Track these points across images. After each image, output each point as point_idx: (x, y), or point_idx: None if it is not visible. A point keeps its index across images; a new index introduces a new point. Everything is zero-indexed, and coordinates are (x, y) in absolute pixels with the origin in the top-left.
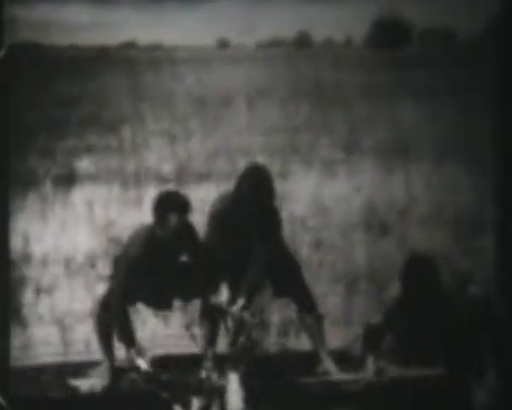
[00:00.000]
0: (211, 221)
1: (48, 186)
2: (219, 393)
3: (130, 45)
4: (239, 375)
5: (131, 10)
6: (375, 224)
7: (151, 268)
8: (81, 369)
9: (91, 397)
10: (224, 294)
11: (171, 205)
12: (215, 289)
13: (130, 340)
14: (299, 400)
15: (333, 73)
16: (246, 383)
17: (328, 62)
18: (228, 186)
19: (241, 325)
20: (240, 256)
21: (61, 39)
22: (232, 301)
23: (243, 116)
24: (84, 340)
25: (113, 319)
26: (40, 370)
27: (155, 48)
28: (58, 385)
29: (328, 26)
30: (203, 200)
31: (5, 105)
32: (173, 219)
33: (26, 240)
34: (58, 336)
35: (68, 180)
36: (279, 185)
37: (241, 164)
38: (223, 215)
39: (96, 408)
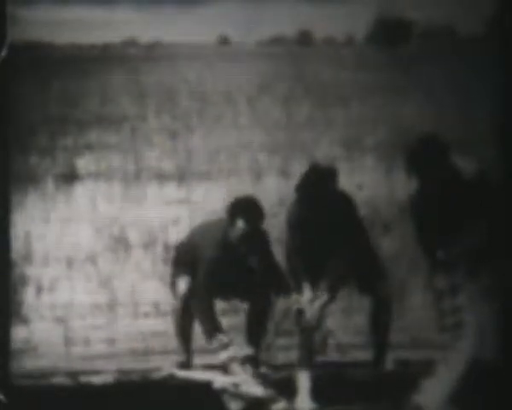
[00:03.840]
0: (289, 227)
1: (49, 184)
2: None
3: (131, 43)
4: (310, 372)
5: (132, 8)
6: (377, 222)
7: (225, 269)
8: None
9: (94, 392)
10: (306, 293)
11: (240, 210)
12: (298, 290)
13: (216, 329)
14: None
15: (334, 70)
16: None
17: (330, 60)
18: (229, 184)
19: (318, 324)
20: (321, 255)
21: (62, 38)
22: (312, 299)
23: (244, 114)
24: (85, 337)
25: (199, 314)
26: (42, 368)
27: (156, 45)
28: (61, 382)
29: (329, 24)
30: (204, 197)
31: (6, 103)
32: (240, 224)
33: (28, 238)
34: (59, 334)
35: (69, 178)
36: (280, 183)
37: (243, 161)
38: (298, 219)
39: (95, 403)
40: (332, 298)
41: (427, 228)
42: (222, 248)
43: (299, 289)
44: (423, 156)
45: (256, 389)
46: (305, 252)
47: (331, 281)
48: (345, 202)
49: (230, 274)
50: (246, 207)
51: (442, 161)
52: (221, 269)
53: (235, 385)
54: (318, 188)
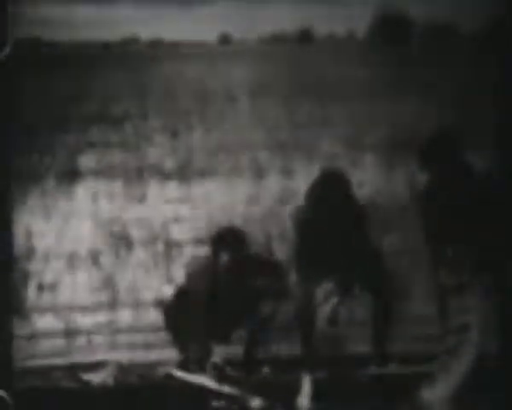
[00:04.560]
0: (298, 231)
1: (50, 182)
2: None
3: (133, 41)
4: (312, 376)
5: (133, 7)
6: (378, 220)
7: (219, 297)
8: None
9: (94, 392)
10: (320, 295)
11: (222, 242)
12: (309, 292)
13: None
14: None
15: (334, 69)
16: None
17: (330, 58)
18: (229, 182)
19: (332, 323)
20: (330, 257)
21: (64, 36)
22: (325, 300)
23: (245, 112)
24: (87, 335)
25: (193, 343)
26: (43, 365)
27: (157, 44)
28: (62, 379)
29: (329, 22)
30: (205, 195)
31: (8, 101)
32: (224, 256)
33: (29, 235)
34: (60, 331)
35: (71, 176)
36: (281, 181)
37: (243, 159)
38: (307, 224)
39: (96, 404)
40: (344, 300)
41: (435, 225)
42: (212, 279)
43: (309, 292)
44: (436, 153)
45: (253, 402)
46: (314, 255)
47: (344, 283)
48: (353, 206)
49: (227, 302)
50: (227, 239)
51: (454, 158)
52: (216, 297)
53: (233, 397)
54: (328, 194)
